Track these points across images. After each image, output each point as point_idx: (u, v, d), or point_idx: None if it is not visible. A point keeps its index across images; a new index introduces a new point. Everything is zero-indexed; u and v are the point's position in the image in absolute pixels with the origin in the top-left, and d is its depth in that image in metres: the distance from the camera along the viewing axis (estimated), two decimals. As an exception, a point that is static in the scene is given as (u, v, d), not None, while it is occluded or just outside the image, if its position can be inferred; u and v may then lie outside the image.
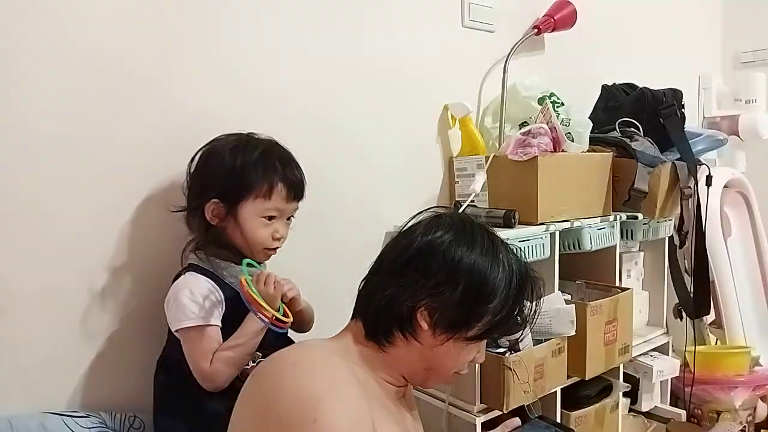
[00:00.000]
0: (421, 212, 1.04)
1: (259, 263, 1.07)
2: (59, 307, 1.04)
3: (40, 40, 0.99)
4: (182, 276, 1.02)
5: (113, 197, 1.08)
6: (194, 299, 0.99)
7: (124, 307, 1.10)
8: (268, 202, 1.03)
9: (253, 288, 0.98)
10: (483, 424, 1.25)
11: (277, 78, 1.26)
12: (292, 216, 1.09)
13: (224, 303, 1.02)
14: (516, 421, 1.05)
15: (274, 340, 1.01)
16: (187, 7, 1.13)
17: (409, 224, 0.99)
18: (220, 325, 1.00)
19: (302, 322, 1.14)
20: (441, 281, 0.87)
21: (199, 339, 0.98)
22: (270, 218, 1.04)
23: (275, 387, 0.74)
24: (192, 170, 1.06)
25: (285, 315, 1.02)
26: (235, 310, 1.01)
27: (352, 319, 0.95)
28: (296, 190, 1.06)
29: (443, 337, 0.88)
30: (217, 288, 1.02)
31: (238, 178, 1.02)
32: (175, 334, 1.00)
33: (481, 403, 1.26)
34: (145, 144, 1.10)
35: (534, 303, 0.96)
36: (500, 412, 1.25)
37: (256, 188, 1.02)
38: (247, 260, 1.02)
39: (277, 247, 1.07)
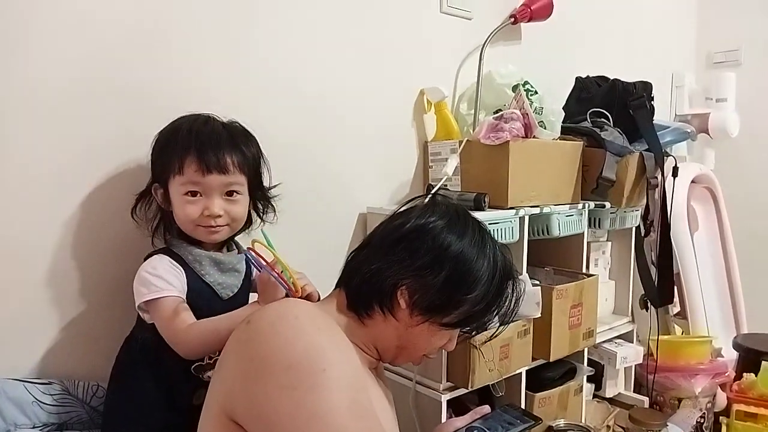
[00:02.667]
0: (417, 197, 1.07)
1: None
2: (24, 275, 1.03)
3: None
4: (149, 258, 1.02)
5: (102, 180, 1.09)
6: (156, 273, 0.97)
7: (91, 278, 1.09)
8: (182, 177, 0.98)
9: (279, 258, 0.95)
10: (449, 401, 1.28)
11: (253, 58, 1.26)
12: (240, 193, 1.02)
13: (186, 286, 1.00)
14: (486, 408, 1.08)
15: None
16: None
17: (405, 206, 1.02)
18: (183, 298, 0.98)
19: None
20: (426, 264, 0.90)
21: (164, 308, 0.96)
22: (192, 194, 0.98)
23: (279, 336, 0.73)
24: None
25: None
26: (197, 296, 1.00)
27: (336, 287, 0.97)
28: (209, 164, 0.97)
29: (419, 318, 0.90)
30: (182, 271, 1.00)
31: (158, 159, 1.02)
32: (139, 311, 0.99)
33: (447, 381, 1.28)
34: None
35: (513, 302, 0.99)
36: (466, 390, 1.27)
37: (171, 165, 0.98)
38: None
39: (216, 226, 1.01)
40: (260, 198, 1.10)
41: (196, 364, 1.00)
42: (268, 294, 0.96)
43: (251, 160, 1.04)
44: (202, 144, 0.97)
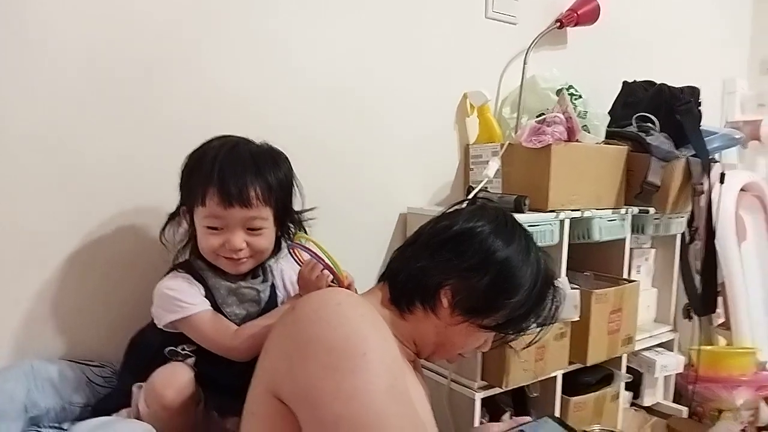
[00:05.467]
0: (461, 201, 1.10)
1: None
2: (83, 271, 1.10)
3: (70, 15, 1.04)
4: (167, 275, 1.01)
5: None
6: (178, 292, 0.97)
7: (139, 273, 1.14)
8: (204, 209, 0.94)
9: (325, 250, 0.97)
10: (483, 400, 1.29)
11: (300, 60, 1.30)
12: (264, 227, 0.98)
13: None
14: (526, 418, 1.09)
15: None
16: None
17: (452, 208, 1.04)
18: (210, 309, 0.98)
19: None
20: (472, 266, 0.92)
21: (202, 323, 0.96)
22: (213, 228, 0.95)
23: (322, 321, 0.76)
24: None
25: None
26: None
27: (379, 281, 1.01)
28: (231, 197, 0.92)
29: (460, 318, 0.93)
30: (201, 288, 1.00)
31: (185, 185, 0.98)
32: (167, 327, 0.98)
33: (481, 380, 1.30)
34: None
35: (552, 309, 1.01)
36: (500, 390, 1.29)
37: (195, 195, 0.95)
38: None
39: (239, 258, 0.98)
40: (291, 223, 1.06)
41: (170, 349, 0.98)
42: (310, 290, 0.98)
43: (277, 190, 0.98)
44: (224, 175, 0.92)
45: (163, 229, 1.04)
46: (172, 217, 1.04)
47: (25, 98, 1.01)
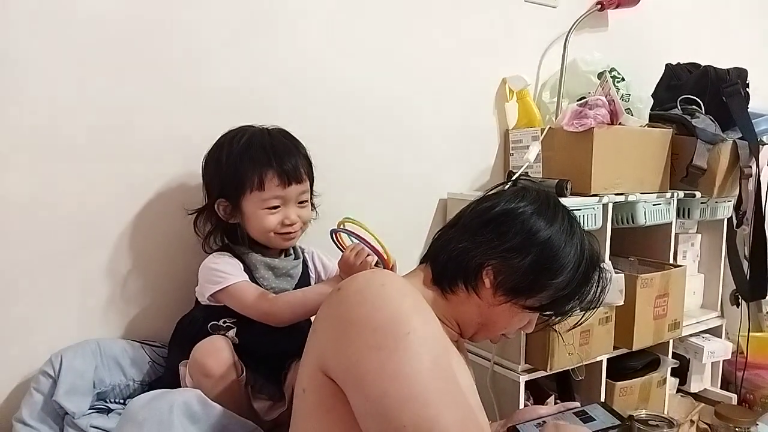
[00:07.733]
0: (501, 184, 1.11)
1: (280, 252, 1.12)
2: (141, 257, 1.15)
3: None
4: (210, 255, 1.09)
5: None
6: (221, 265, 1.05)
7: (194, 258, 1.16)
8: (264, 193, 1.02)
9: (371, 232, 1.02)
10: (526, 383, 1.30)
11: (334, 46, 1.32)
12: (308, 199, 1.09)
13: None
14: (575, 404, 1.09)
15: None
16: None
17: (494, 190, 1.05)
18: (249, 280, 1.05)
19: None
20: (514, 247, 0.92)
21: (242, 291, 1.03)
22: (273, 208, 1.04)
23: (367, 302, 0.77)
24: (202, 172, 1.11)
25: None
26: None
27: (421, 263, 1.01)
28: (289, 176, 1.03)
29: (502, 298, 0.93)
30: (240, 265, 1.06)
31: (230, 176, 1.03)
32: (205, 299, 1.05)
33: (525, 363, 1.31)
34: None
35: (598, 291, 1.00)
36: (544, 373, 1.29)
37: (248, 182, 1.02)
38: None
39: (293, 231, 1.07)
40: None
41: (212, 323, 1.05)
42: (352, 274, 1.01)
43: (310, 165, 1.10)
44: (281, 158, 1.02)
45: (196, 221, 1.12)
46: (202, 211, 1.11)
47: (87, 89, 1.06)
